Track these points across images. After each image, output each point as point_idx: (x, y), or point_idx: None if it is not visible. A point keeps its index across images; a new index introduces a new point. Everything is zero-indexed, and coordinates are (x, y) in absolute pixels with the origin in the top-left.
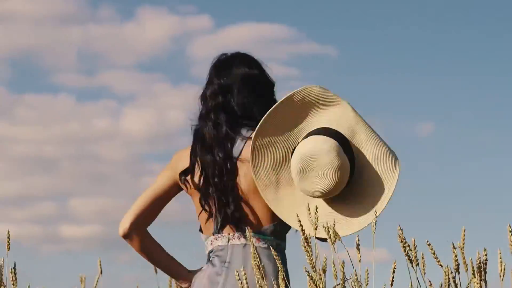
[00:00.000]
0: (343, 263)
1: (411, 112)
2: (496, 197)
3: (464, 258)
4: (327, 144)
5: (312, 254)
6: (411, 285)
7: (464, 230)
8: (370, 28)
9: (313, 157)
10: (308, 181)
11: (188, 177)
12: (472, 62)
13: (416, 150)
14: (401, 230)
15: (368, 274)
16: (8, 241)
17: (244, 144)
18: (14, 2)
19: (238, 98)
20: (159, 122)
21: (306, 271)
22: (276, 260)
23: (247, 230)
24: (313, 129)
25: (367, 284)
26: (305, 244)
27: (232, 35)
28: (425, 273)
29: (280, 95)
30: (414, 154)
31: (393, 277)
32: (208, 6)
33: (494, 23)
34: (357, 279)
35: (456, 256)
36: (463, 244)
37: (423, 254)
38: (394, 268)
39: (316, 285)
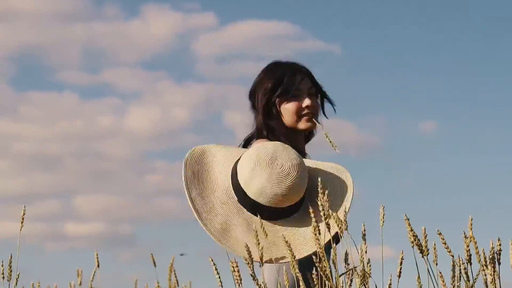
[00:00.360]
0: (347, 253)
1: (414, 110)
2: (498, 196)
3: (476, 248)
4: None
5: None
6: (419, 277)
7: (471, 219)
8: (374, 26)
9: (275, 153)
10: (272, 176)
11: None
12: (474, 61)
13: (419, 148)
14: (408, 219)
15: (370, 266)
16: None
17: None
18: (18, 0)
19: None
20: (163, 119)
21: (317, 261)
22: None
23: None
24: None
25: (369, 276)
26: (317, 234)
27: (236, 32)
28: (437, 264)
29: None
30: (417, 152)
31: (400, 268)
32: (212, 3)
33: (496, 23)
34: (363, 270)
35: (468, 246)
36: (471, 227)
37: (434, 244)
38: (402, 259)
39: (325, 274)
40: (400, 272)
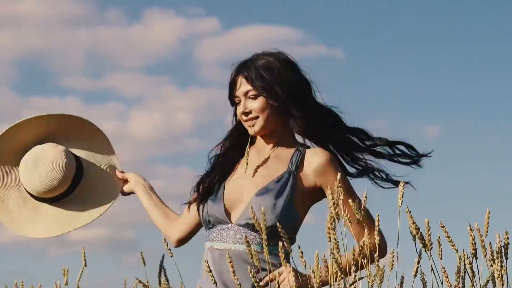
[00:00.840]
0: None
1: (417, 115)
2: (502, 201)
3: (482, 242)
4: (54, 145)
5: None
6: (423, 273)
7: (489, 212)
8: (376, 31)
9: (41, 151)
10: (37, 174)
11: None
12: (477, 65)
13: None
14: (410, 211)
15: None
16: None
17: None
18: (22, 5)
19: None
20: (166, 124)
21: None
22: None
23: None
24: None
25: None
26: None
27: (239, 37)
28: (441, 259)
29: None
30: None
31: (417, 268)
32: (215, 8)
33: (501, 26)
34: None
35: (473, 239)
36: (487, 226)
37: (439, 237)
38: (420, 258)
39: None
40: (416, 272)
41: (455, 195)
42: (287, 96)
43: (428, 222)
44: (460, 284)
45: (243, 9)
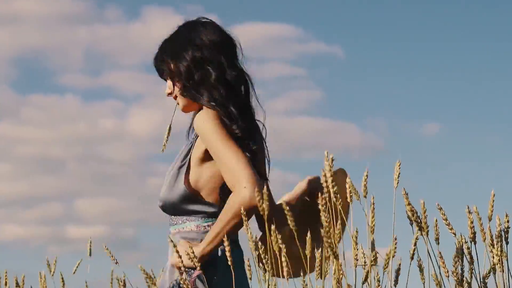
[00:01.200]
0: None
1: (417, 112)
2: (501, 200)
3: (481, 225)
4: None
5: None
6: (419, 257)
7: (494, 195)
8: (376, 29)
9: None
10: None
11: None
12: (477, 64)
13: (422, 151)
14: (406, 194)
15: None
16: None
17: None
18: (21, 3)
19: None
20: (166, 122)
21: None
22: None
23: None
24: None
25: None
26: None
27: (239, 35)
28: (438, 244)
29: (286, 94)
30: (420, 154)
31: (414, 249)
32: (215, 5)
33: (502, 26)
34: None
35: (472, 222)
36: (492, 210)
37: (436, 220)
38: (417, 239)
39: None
40: (413, 254)
41: (455, 194)
42: (184, 76)
43: (424, 203)
44: (458, 270)
45: (242, 7)
